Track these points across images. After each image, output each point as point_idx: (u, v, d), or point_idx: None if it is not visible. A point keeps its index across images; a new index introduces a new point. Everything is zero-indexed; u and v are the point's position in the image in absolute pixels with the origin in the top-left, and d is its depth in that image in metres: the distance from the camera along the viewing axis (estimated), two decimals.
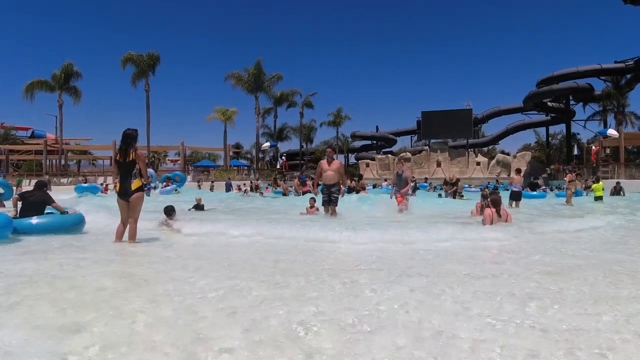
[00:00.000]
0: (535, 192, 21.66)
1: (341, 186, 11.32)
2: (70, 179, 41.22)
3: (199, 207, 14.60)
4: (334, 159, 11.42)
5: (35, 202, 8.40)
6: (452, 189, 20.67)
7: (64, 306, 3.39)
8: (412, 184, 28.09)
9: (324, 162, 11.40)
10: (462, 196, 20.76)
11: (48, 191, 9.18)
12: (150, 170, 36.11)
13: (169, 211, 9.27)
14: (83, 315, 3.16)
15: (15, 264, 5.15)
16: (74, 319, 3.09)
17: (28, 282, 4.22)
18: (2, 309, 3.32)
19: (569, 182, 18.12)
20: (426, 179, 37.90)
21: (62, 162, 49.92)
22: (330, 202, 11.20)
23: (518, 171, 18.28)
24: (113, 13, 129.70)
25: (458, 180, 22.44)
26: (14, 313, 3.23)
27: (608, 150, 40.85)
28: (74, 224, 8.45)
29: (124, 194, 7.00)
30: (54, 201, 8.60)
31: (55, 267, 5.02)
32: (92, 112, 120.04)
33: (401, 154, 56.30)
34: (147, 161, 7.50)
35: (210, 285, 4.09)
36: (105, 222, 9.28)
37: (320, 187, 11.69)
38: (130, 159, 6.99)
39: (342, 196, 11.57)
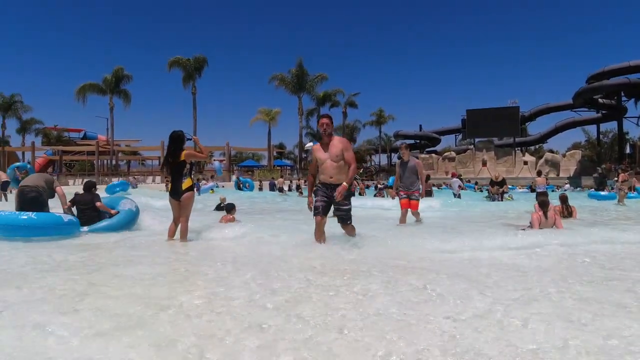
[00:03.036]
0: (604, 193, 20.54)
1: (354, 185, 7.11)
2: (120, 178, 42.59)
3: (222, 207, 14.06)
4: (332, 135, 6.42)
5: (86, 204, 8.80)
6: (500, 189, 19.79)
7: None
8: (458, 180, 27.55)
9: (316, 148, 6.52)
10: (510, 197, 20.34)
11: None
12: (217, 164, 36.87)
13: (230, 208, 9.86)
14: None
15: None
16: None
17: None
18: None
19: (622, 182, 17.67)
20: (477, 182, 37.05)
21: (113, 162, 51.68)
22: (340, 222, 6.55)
23: (539, 173, 18.47)
24: (159, 17, 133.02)
25: (504, 180, 21.90)
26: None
27: None
28: (130, 221, 8.82)
29: (175, 193, 7.29)
30: (99, 201, 8.90)
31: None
32: (140, 114, 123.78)
33: (445, 153, 55.62)
34: (196, 151, 7.82)
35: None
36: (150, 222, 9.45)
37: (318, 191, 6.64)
38: (180, 159, 7.28)
39: (338, 199, 6.30)
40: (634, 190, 19.84)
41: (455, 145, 64.08)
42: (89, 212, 8.65)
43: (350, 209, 6.46)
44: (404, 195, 9.76)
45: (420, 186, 9.84)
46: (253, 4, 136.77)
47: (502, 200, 18.66)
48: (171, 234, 7.37)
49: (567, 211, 11.03)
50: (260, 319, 3.18)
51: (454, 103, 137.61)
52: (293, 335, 2.86)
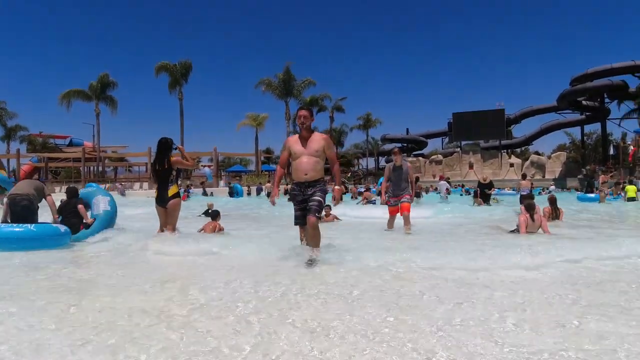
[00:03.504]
0: (592, 195, 20.83)
1: (333, 186, 6.05)
2: (107, 185, 42.27)
3: (210, 213, 13.90)
4: (312, 131, 5.93)
5: (71, 212, 8.69)
6: (489, 191, 19.67)
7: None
8: (446, 183, 27.57)
9: (292, 140, 5.95)
10: (495, 199, 20.45)
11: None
12: (207, 170, 36.74)
13: (215, 215, 9.75)
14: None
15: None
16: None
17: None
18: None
19: (602, 183, 18.30)
20: (463, 185, 37.33)
21: (100, 169, 51.29)
22: (306, 217, 5.72)
23: (524, 176, 18.92)
24: (146, 22, 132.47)
25: (492, 182, 22.02)
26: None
27: None
28: (108, 223, 8.60)
29: (162, 200, 7.31)
30: (82, 204, 8.75)
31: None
32: (127, 120, 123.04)
33: (432, 156, 55.97)
34: (182, 158, 7.79)
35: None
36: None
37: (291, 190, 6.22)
38: (166, 166, 7.30)
39: (336, 203, 6.17)
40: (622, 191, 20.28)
41: (442, 148, 64.53)
42: (72, 219, 8.46)
43: (321, 203, 5.73)
44: (393, 202, 9.41)
45: (411, 190, 9.48)
46: (239, 8, 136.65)
47: (489, 204, 18.68)
48: None
49: (555, 213, 11.24)
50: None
51: (441, 106, 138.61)
52: None
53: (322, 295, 4.03)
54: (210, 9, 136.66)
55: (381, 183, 10.61)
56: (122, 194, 33.06)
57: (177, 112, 46.42)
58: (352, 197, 24.64)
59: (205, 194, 29.51)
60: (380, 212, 12.01)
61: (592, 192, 21.96)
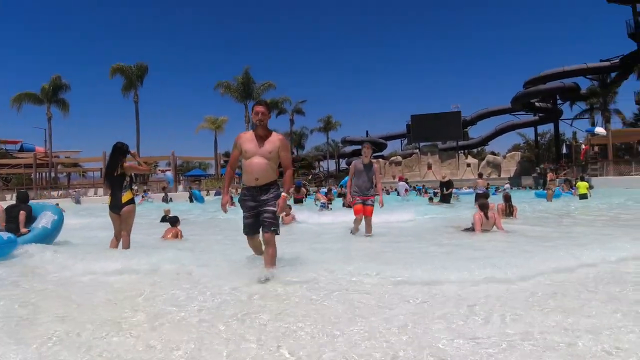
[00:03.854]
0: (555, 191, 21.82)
1: (285, 191, 5.24)
2: (60, 192, 40.96)
3: (167, 219, 13.55)
4: (270, 130, 5.27)
5: (15, 218, 8.29)
6: (448, 190, 19.95)
7: None
8: (405, 184, 27.94)
9: (244, 137, 5.28)
10: (456, 197, 20.98)
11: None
12: (168, 174, 35.91)
13: (174, 221, 9.59)
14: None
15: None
16: None
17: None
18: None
19: (550, 181, 19.01)
20: (424, 186, 37.86)
21: (52, 175, 49.68)
22: (261, 227, 5.22)
23: (480, 175, 19.53)
24: (101, 23, 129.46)
25: (451, 181, 22.41)
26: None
27: (596, 148, 41.23)
28: (39, 240, 7.87)
29: (115, 207, 7.08)
30: (25, 210, 8.38)
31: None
32: (81, 125, 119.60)
33: (392, 158, 56.57)
34: (136, 162, 7.54)
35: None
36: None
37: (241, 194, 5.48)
38: (120, 172, 7.09)
39: (279, 213, 5.22)
40: (571, 188, 21.07)
41: (402, 150, 65.26)
42: (12, 224, 8.12)
43: (276, 219, 5.13)
44: (359, 201, 8.66)
45: (375, 192, 8.88)
46: (197, 10, 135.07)
47: (450, 202, 19.00)
48: (113, 248, 7.15)
49: (509, 210, 11.54)
50: None
51: (399, 109, 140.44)
52: None
53: (271, 322, 3.51)
54: (168, 10, 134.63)
55: (346, 182, 9.72)
56: (77, 201, 32.05)
57: (133, 116, 45.51)
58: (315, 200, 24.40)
59: (166, 199, 28.71)
60: (339, 218, 11.90)
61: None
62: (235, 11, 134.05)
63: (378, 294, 4.22)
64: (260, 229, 5.21)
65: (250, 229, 5.32)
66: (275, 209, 5.05)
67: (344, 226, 10.03)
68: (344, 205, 10.16)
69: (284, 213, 5.00)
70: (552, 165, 38.09)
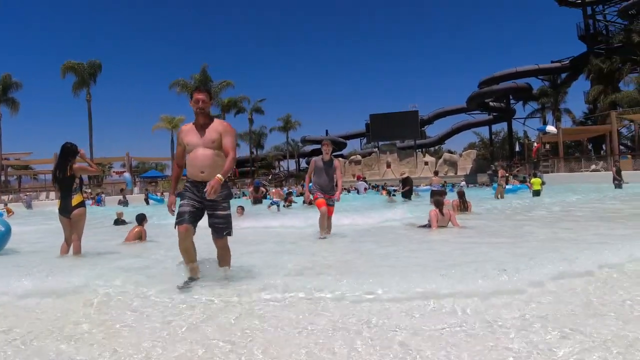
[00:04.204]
0: (510, 186, 22.89)
1: (222, 174, 4.34)
2: (11, 195, 39.47)
3: (119, 222, 13.18)
4: (211, 118, 4.74)
5: None
6: (406, 187, 20.43)
7: None
8: (364, 183, 28.25)
9: (186, 129, 4.74)
10: (416, 193, 21.48)
11: None
12: (127, 175, 34.88)
13: (141, 219, 9.31)
14: None
15: None
16: None
17: None
18: None
19: (501, 177, 19.59)
20: (385, 184, 38.21)
21: (2, 178, 47.83)
22: (212, 233, 4.69)
23: (436, 173, 20.31)
24: (54, 21, 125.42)
25: (409, 178, 22.84)
26: None
27: (548, 146, 42.56)
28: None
29: (65, 210, 6.84)
30: None
31: None
32: (31, 125, 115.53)
33: (352, 157, 56.96)
34: (86, 164, 7.30)
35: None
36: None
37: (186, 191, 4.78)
38: (69, 174, 6.85)
39: (210, 195, 4.26)
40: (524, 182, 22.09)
41: (361, 149, 65.87)
42: None
43: (229, 216, 4.65)
44: (321, 195, 8.22)
45: (336, 189, 8.47)
46: (153, 6, 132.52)
47: (410, 199, 19.55)
48: (64, 253, 6.92)
49: (463, 205, 11.91)
50: None
51: (359, 108, 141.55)
52: None
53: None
54: (123, 8, 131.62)
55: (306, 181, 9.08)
56: (29, 205, 30.88)
57: (86, 116, 44.27)
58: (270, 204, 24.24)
59: (124, 202, 27.79)
60: (296, 221, 11.08)
61: (507, 183, 23.96)
62: (192, 8, 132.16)
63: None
64: (212, 235, 4.66)
65: (187, 218, 4.47)
66: (227, 212, 4.61)
67: (300, 228, 9.84)
68: (304, 202, 9.65)
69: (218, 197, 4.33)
70: (504, 162, 39.11)
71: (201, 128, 4.59)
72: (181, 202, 4.59)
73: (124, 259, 6.65)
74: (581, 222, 9.92)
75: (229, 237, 4.71)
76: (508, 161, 46.58)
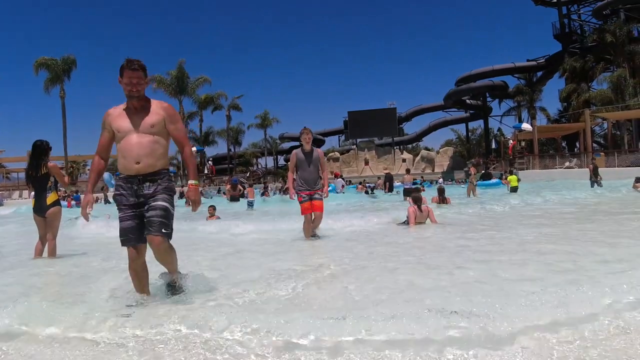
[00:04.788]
0: (490, 181, 23.46)
1: (191, 177, 3.90)
2: None
3: None
4: (148, 100, 3.89)
5: None
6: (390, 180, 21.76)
7: None
8: (342, 180, 28.34)
9: (116, 113, 3.86)
10: (397, 192, 21.97)
11: None
12: (107, 175, 34.08)
13: None
14: None
15: None
16: None
17: None
18: None
19: (473, 175, 19.93)
20: (364, 180, 38.31)
21: None
22: (146, 228, 3.64)
23: (408, 171, 21.32)
24: (26, 16, 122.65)
25: (388, 174, 23.38)
26: None
27: (523, 143, 43.13)
28: None
29: (39, 209, 6.68)
30: None
31: None
32: (3, 122, 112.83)
33: (330, 154, 56.97)
34: (63, 172, 7.09)
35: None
36: None
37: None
38: (43, 172, 6.66)
39: (194, 209, 3.88)
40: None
41: (339, 146, 65.86)
42: None
43: (169, 210, 3.67)
44: (306, 197, 7.51)
45: (323, 184, 7.80)
46: (130, 2, 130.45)
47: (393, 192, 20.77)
48: (38, 253, 6.76)
49: (443, 202, 12.40)
50: None
51: (337, 105, 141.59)
52: None
53: None
54: (99, 3, 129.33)
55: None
56: (0, 204, 30.23)
57: (59, 113, 43.37)
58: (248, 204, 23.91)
59: (107, 201, 26.97)
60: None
61: (490, 179, 25.04)
62: (169, 4, 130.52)
63: None
64: (146, 232, 3.62)
65: (132, 235, 3.66)
66: (166, 204, 3.65)
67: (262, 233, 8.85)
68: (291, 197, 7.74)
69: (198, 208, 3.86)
70: (480, 159, 39.63)
71: (136, 111, 3.77)
72: (121, 214, 3.74)
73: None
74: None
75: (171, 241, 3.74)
76: (484, 158, 47.10)
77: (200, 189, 30.83)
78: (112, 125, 3.80)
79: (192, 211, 3.84)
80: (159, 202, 3.64)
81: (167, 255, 3.76)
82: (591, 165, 21.86)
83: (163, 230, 3.60)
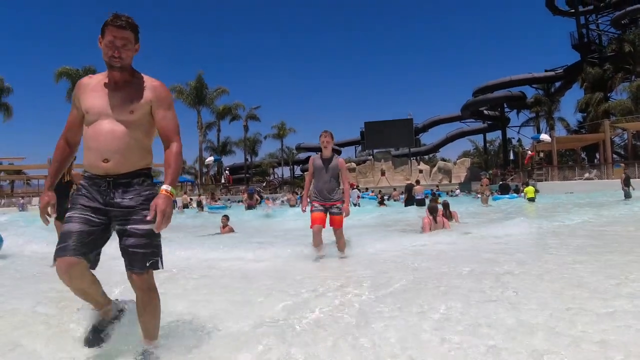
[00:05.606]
0: (507, 195, 23.47)
1: (169, 182, 2.58)
2: (3, 200, 39.22)
3: None
4: (134, 74, 2.77)
5: None
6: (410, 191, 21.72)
7: None
8: (357, 191, 28.14)
9: (88, 85, 2.73)
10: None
11: None
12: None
13: None
14: None
15: None
16: None
17: None
18: None
19: (486, 186, 20.20)
20: (380, 191, 38.23)
21: None
22: (126, 262, 2.65)
23: (417, 182, 21.65)
24: (47, 27, 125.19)
25: (409, 184, 23.35)
26: None
27: (542, 154, 42.67)
28: None
29: (62, 216, 6.77)
30: None
31: None
32: (24, 130, 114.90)
33: (346, 165, 56.83)
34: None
35: None
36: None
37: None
38: (66, 180, 6.75)
39: (159, 227, 2.46)
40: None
41: (355, 157, 65.75)
42: None
43: (154, 234, 2.62)
44: (319, 207, 6.44)
45: (343, 196, 6.63)
46: (149, 13, 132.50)
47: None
48: None
49: (449, 217, 11.85)
50: None
51: (353, 116, 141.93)
52: None
53: None
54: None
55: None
56: (22, 209, 30.91)
57: None
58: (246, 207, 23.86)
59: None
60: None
61: (507, 193, 24.90)
62: (188, 15, 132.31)
63: None
64: (125, 266, 2.67)
65: (72, 243, 2.56)
66: (150, 228, 2.55)
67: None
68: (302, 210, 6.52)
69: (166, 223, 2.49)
70: (497, 170, 39.34)
71: (115, 87, 2.71)
72: (69, 213, 2.73)
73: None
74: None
75: (157, 271, 2.74)
76: (502, 169, 46.69)
77: (205, 199, 30.64)
78: (81, 100, 2.74)
79: (155, 229, 2.47)
80: (138, 226, 2.63)
81: (150, 302, 2.71)
82: (623, 175, 21.12)
83: (147, 264, 2.63)
